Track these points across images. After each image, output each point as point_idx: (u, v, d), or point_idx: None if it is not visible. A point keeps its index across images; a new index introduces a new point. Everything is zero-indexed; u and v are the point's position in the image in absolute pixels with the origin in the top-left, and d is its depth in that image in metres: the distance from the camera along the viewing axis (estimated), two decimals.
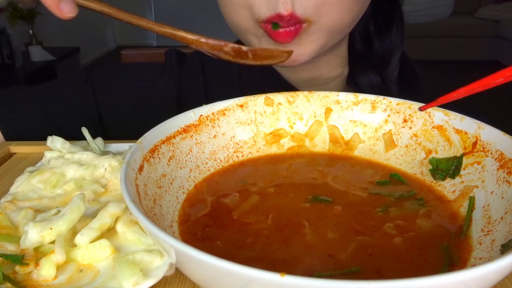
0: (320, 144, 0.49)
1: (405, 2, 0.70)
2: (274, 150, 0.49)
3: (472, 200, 0.38)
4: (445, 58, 4.32)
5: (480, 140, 0.40)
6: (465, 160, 0.41)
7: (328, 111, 0.49)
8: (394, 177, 0.44)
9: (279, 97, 0.49)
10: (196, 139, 0.44)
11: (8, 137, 0.66)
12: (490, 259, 0.31)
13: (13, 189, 0.45)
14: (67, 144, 0.50)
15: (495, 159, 0.38)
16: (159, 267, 0.34)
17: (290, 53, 0.51)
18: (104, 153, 0.51)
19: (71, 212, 0.37)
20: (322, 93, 0.49)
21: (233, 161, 0.47)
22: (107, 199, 0.43)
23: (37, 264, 0.34)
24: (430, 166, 0.43)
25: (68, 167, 0.46)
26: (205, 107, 0.46)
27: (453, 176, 0.41)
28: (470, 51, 4.34)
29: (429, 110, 0.45)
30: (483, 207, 0.37)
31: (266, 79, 0.70)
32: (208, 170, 0.44)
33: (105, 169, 0.46)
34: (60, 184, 0.45)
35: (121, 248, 0.37)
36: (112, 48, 5.20)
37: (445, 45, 4.33)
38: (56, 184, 0.45)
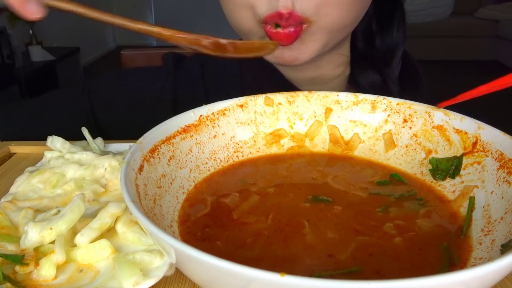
0: (320, 144, 0.49)
1: (406, 2, 0.70)
2: (274, 150, 0.49)
3: (472, 200, 0.38)
4: (445, 58, 4.32)
5: (480, 140, 0.40)
6: (465, 160, 0.41)
7: (328, 111, 0.49)
8: (394, 177, 0.44)
9: (279, 97, 0.49)
10: (196, 139, 0.44)
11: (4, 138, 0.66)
12: (490, 259, 0.31)
13: (13, 189, 0.45)
14: (67, 144, 0.50)
15: (495, 159, 0.38)
16: (159, 267, 0.34)
17: (276, 44, 0.50)
18: (104, 153, 0.51)
19: (71, 212, 0.37)
20: (322, 93, 0.49)
21: (233, 161, 0.47)
22: (107, 199, 0.43)
23: (37, 264, 0.34)
24: (430, 166, 0.43)
25: (68, 167, 0.46)
26: (205, 107, 0.46)
27: (453, 176, 0.41)
28: (470, 51, 4.34)
29: (429, 110, 0.45)
30: (483, 207, 0.37)
31: (268, 79, 0.70)
32: (208, 170, 0.44)
33: (105, 169, 0.46)
34: (60, 184, 0.45)
35: (121, 248, 0.37)
36: (112, 48, 5.20)
37: (445, 45, 4.33)
38: (56, 184, 0.45)
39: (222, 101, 0.47)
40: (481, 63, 4.30)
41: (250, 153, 0.48)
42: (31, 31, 3.27)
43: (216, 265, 0.24)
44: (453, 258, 0.33)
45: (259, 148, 0.48)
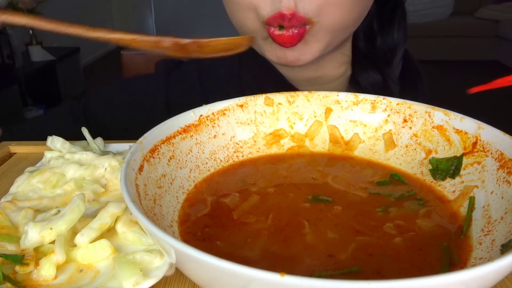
0: (320, 144, 0.49)
1: (406, 2, 0.70)
2: (274, 150, 0.49)
3: (472, 200, 0.38)
4: (445, 58, 4.32)
5: (480, 140, 0.40)
6: (465, 160, 0.41)
7: (328, 111, 0.49)
8: (394, 177, 0.44)
9: (279, 97, 0.49)
10: (196, 139, 0.44)
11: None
12: (490, 259, 0.31)
13: (13, 189, 0.45)
14: (67, 144, 0.50)
15: (495, 159, 0.38)
16: (159, 267, 0.34)
17: (251, 39, 0.48)
18: (104, 153, 0.51)
19: (71, 212, 0.37)
20: (322, 93, 0.49)
21: (233, 161, 0.47)
22: (107, 199, 0.43)
23: (37, 264, 0.34)
24: (430, 166, 0.43)
25: (68, 167, 0.46)
26: (205, 107, 0.46)
27: (453, 176, 0.41)
28: (470, 51, 4.34)
29: (429, 110, 0.45)
30: (483, 207, 0.37)
31: (268, 79, 0.70)
32: (208, 170, 0.44)
33: (105, 169, 0.46)
34: (60, 184, 0.45)
35: (121, 248, 0.37)
36: (112, 48, 5.19)
37: (445, 45, 4.33)
38: (56, 184, 0.45)
39: (222, 101, 0.47)
40: (481, 63, 4.30)
41: (250, 153, 0.48)
42: (31, 31, 3.27)
43: (216, 265, 0.24)
44: (453, 258, 0.33)
45: (259, 148, 0.48)
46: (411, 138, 0.46)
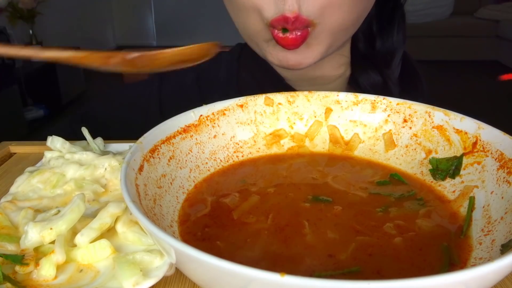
0: (320, 144, 0.49)
1: (406, 3, 0.70)
2: (274, 150, 0.49)
3: (472, 200, 0.38)
4: (445, 58, 4.32)
5: (480, 140, 0.40)
6: (465, 160, 0.41)
7: (328, 111, 0.49)
8: (394, 177, 0.44)
9: (279, 97, 0.49)
10: (196, 139, 0.44)
11: None
12: (490, 259, 0.31)
13: (13, 189, 0.45)
14: (67, 144, 0.50)
15: (495, 159, 0.38)
16: (159, 267, 0.34)
17: (216, 45, 0.45)
18: (104, 153, 0.51)
19: (71, 212, 0.37)
20: (322, 93, 0.49)
21: (233, 161, 0.47)
22: (107, 199, 0.43)
23: (37, 264, 0.34)
24: (430, 166, 0.43)
25: (68, 167, 0.46)
26: (205, 107, 0.46)
27: (453, 176, 0.41)
28: (470, 51, 4.35)
29: (429, 110, 0.45)
30: (483, 207, 0.37)
31: (267, 80, 0.69)
32: (208, 170, 0.44)
33: (105, 169, 0.46)
34: (60, 184, 0.45)
35: (121, 248, 0.37)
36: (112, 48, 5.20)
37: (445, 45, 4.33)
38: (56, 184, 0.45)
39: (222, 101, 0.47)
40: (481, 63, 4.30)
41: (250, 153, 0.48)
42: (31, 31, 3.27)
43: (216, 265, 0.24)
44: (453, 258, 0.33)
45: (259, 148, 0.48)
46: (411, 138, 0.46)
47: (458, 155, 0.42)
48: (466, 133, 0.41)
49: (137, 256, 0.35)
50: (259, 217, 0.37)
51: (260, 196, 0.40)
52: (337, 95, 0.49)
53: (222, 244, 0.34)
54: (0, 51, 0.41)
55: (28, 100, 3.13)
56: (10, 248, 0.37)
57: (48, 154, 0.50)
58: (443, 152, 0.43)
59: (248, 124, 0.48)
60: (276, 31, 0.55)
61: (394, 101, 0.47)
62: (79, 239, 0.36)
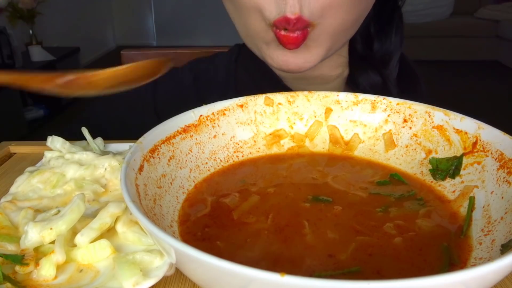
0: (320, 144, 0.49)
1: (406, 3, 0.71)
2: (274, 150, 0.49)
3: (472, 200, 0.38)
4: (445, 58, 4.32)
5: (480, 140, 0.40)
6: (465, 160, 0.41)
7: (328, 111, 0.49)
8: (394, 177, 0.44)
9: (279, 97, 0.49)
10: (196, 139, 0.44)
11: None
12: (490, 259, 0.31)
13: (13, 189, 0.45)
14: (67, 144, 0.50)
15: (495, 159, 0.38)
16: (159, 267, 0.34)
17: (168, 60, 0.41)
18: (104, 153, 0.51)
19: (71, 212, 0.37)
20: (322, 93, 0.49)
21: (233, 161, 0.47)
22: (107, 199, 0.43)
23: (37, 264, 0.34)
24: (430, 166, 0.43)
25: (68, 167, 0.46)
26: (205, 107, 0.46)
27: (453, 176, 0.41)
28: (470, 51, 4.35)
29: (429, 110, 0.45)
30: (483, 207, 0.37)
31: (265, 81, 0.69)
32: (208, 170, 0.44)
33: (105, 169, 0.46)
34: (60, 184, 0.45)
35: (121, 248, 0.37)
36: (112, 48, 5.20)
37: (445, 45, 4.33)
38: (56, 184, 0.45)
39: (222, 101, 0.47)
40: (481, 63, 4.31)
41: (250, 153, 0.48)
42: (31, 31, 3.27)
43: (216, 265, 0.24)
44: (453, 258, 0.33)
45: (259, 148, 0.48)
46: (411, 138, 0.46)
47: (458, 155, 0.42)
48: (466, 133, 0.41)
49: (137, 256, 0.35)
50: (259, 217, 0.37)
51: (260, 196, 0.40)
52: (337, 95, 0.49)
53: (222, 244, 0.34)
54: None
55: (28, 100, 3.13)
56: (10, 248, 0.37)
57: (48, 154, 0.50)
58: (443, 152, 0.43)
59: (248, 124, 0.48)
60: (278, 29, 0.55)
61: (394, 101, 0.47)
62: (79, 239, 0.36)
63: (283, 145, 0.49)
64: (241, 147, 0.48)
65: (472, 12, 4.51)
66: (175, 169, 0.41)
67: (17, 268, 0.34)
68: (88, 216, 0.39)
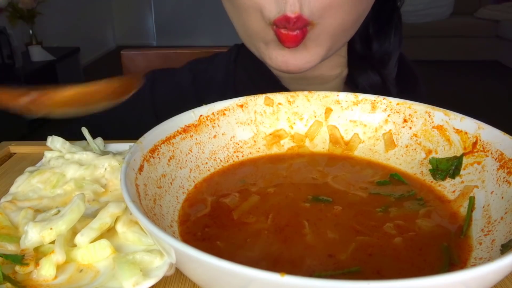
0: (320, 144, 0.49)
1: (405, 2, 0.70)
2: (274, 150, 0.49)
3: (472, 200, 0.38)
4: (445, 58, 4.32)
5: (480, 140, 0.40)
6: (465, 160, 0.41)
7: (328, 111, 0.49)
8: (394, 177, 0.44)
9: (279, 97, 0.49)
10: (196, 139, 0.44)
11: None
12: (490, 259, 0.31)
13: (13, 189, 0.45)
14: (67, 144, 0.50)
15: (495, 159, 0.38)
16: (159, 267, 0.34)
17: (138, 81, 0.39)
18: (104, 153, 0.51)
19: (71, 212, 0.37)
20: (322, 93, 0.49)
21: (233, 161, 0.47)
22: (107, 199, 0.43)
23: (37, 264, 0.34)
24: (430, 166, 0.43)
25: (68, 167, 0.46)
26: (205, 107, 0.46)
27: (453, 176, 0.41)
28: (470, 51, 4.35)
29: (429, 110, 0.45)
30: (483, 207, 0.37)
31: (264, 81, 0.69)
32: (208, 170, 0.44)
33: (105, 169, 0.46)
34: (60, 184, 0.45)
35: (121, 248, 0.37)
36: (112, 48, 5.20)
37: (445, 45, 4.33)
38: (56, 184, 0.45)
39: (222, 101, 0.47)
40: (481, 63, 4.31)
41: (250, 153, 0.48)
42: (31, 31, 3.27)
43: (216, 265, 0.24)
44: (453, 258, 0.33)
45: (259, 148, 0.48)
46: (411, 138, 0.46)
47: (458, 155, 0.42)
48: (466, 133, 0.41)
49: (137, 256, 0.35)
50: (259, 217, 0.37)
51: (260, 196, 0.40)
52: (337, 95, 0.49)
53: (222, 244, 0.34)
54: None
55: None
56: (10, 248, 0.37)
57: (48, 154, 0.50)
58: (443, 152, 0.43)
59: (248, 124, 0.48)
60: (279, 29, 0.55)
61: (394, 101, 0.47)
62: (79, 239, 0.36)
63: (283, 145, 0.49)
64: (241, 147, 0.48)
65: (472, 12, 4.51)
66: (175, 169, 0.41)
67: (17, 268, 0.34)
68: (88, 216, 0.39)
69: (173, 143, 0.42)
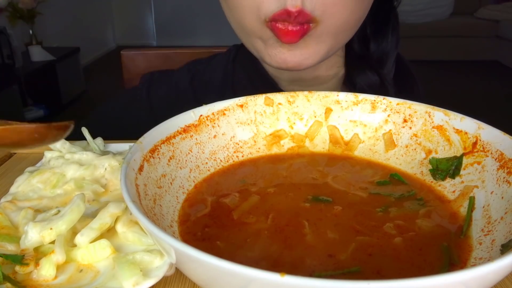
0: (320, 144, 0.49)
1: (405, 2, 0.70)
2: (274, 150, 0.49)
3: (472, 200, 0.38)
4: (445, 58, 4.32)
5: (480, 140, 0.40)
6: (465, 160, 0.41)
7: (328, 111, 0.49)
8: (394, 177, 0.44)
9: (279, 97, 0.49)
10: (196, 139, 0.44)
11: None
12: (490, 259, 0.31)
13: (13, 189, 0.45)
14: (67, 144, 0.50)
15: (495, 159, 0.38)
16: (159, 267, 0.34)
17: (66, 127, 0.34)
18: (104, 153, 0.51)
19: (71, 212, 0.37)
20: (322, 93, 0.49)
21: (233, 161, 0.47)
22: (107, 199, 0.43)
23: (37, 264, 0.34)
24: (430, 166, 0.43)
25: (68, 167, 0.46)
26: (205, 107, 0.46)
27: (453, 176, 0.41)
28: (470, 51, 4.35)
29: (429, 110, 0.45)
30: (483, 207, 0.37)
31: (261, 84, 0.69)
32: (208, 170, 0.44)
33: (105, 169, 0.46)
34: (60, 184, 0.45)
35: (121, 248, 0.37)
36: (112, 48, 5.20)
37: (445, 45, 4.33)
38: (56, 184, 0.45)
39: (222, 101, 0.47)
40: (481, 63, 4.31)
41: (250, 153, 0.48)
42: (31, 31, 3.27)
43: (216, 265, 0.24)
44: (453, 258, 0.33)
45: (259, 148, 0.48)
46: (411, 138, 0.46)
47: (458, 155, 0.42)
48: (466, 133, 0.41)
49: (137, 256, 0.35)
50: (259, 217, 0.37)
51: (260, 196, 0.40)
52: (337, 95, 0.49)
53: (222, 244, 0.34)
54: None
55: (28, 100, 3.13)
56: (10, 248, 0.37)
57: (48, 154, 0.50)
58: (443, 152, 0.43)
59: (248, 124, 0.48)
60: (277, 23, 0.53)
61: (394, 101, 0.47)
62: (79, 239, 0.36)
63: (283, 145, 0.49)
64: (241, 147, 0.48)
65: (472, 12, 4.51)
66: (175, 169, 0.41)
67: (17, 268, 0.34)
68: (88, 216, 0.39)
69: (173, 143, 0.42)
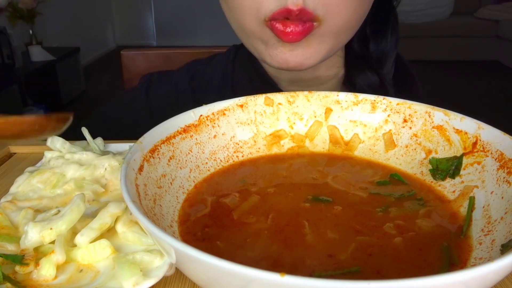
0: (320, 144, 0.49)
1: (405, 2, 0.70)
2: (274, 150, 0.49)
3: (472, 200, 0.38)
4: (445, 58, 4.32)
5: (480, 140, 0.40)
6: (465, 160, 0.41)
7: (328, 111, 0.49)
8: (394, 177, 0.44)
9: (279, 97, 0.49)
10: (196, 139, 0.44)
11: None
12: (490, 259, 0.31)
13: (13, 189, 0.45)
14: (67, 144, 0.50)
15: (495, 159, 0.38)
16: (159, 267, 0.34)
17: (65, 119, 0.35)
18: (104, 153, 0.51)
19: (71, 212, 0.37)
20: (322, 93, 0.49)
21: (233, 161, 0.47)
22: (107, 199, 0.43)
23: (37, 264, 0.34)
24: (430, 166, 0.43)
25: (68, 167, 0.46)
26: (205, 107, 0.46)
27: (453, 176, 0.41)
28: (470, 51, 4.35)
29: (429, 110, 0.45)
30: (483, 207, 0.37)
31: (261, 85, 0.69)
32: (208, 170, 0.44)
33: (105, 169, 0.46)
34: (60, 184, 0.45)
35: (121, 248, 0.37)
36: (112, 48, 5.20)
37: (445, 45, 4.33)
38: (56, 184, 0.45)
39: (222, 101, 0.47)
40: (481, 63, 4.31)
41: (250, 153, 0.48)
42: (31, 31, 3.27)
43: (216, 265, 0.24)
44: (453, 258, 0.33)
45: (259, 148, 0.48)
46: (411, 138, 0.46)
47: (458, 155, 0.42)
48: (466, 133, 0.41)
49: (137, 256, 0.35)
50: (259, 217, 0.37)
51: (260, 196, 0.40)
52: (337, 95, 0.49)
53: (222, 244, 0.34)
54: None
55: (28, 100, 3.13)
56: (10, 248, 0.37)
57: (48, 154, 0.50)
58: (443, 152, 0.43)
59: (248, 124, 0.48)
60: (276, 24, 0.53)
61: (394, 101, 0.47)
62: (79, 239, 0.36)
63: (283, 145, 0.49)
64: (241, 147, 0.48)
65: (472, 12, 4.51)
66: (175, 169, 0.41)
67: (17, 268, 0.34)
68: (88, 216, 0.39)
69: (173, 143, 0.42)
